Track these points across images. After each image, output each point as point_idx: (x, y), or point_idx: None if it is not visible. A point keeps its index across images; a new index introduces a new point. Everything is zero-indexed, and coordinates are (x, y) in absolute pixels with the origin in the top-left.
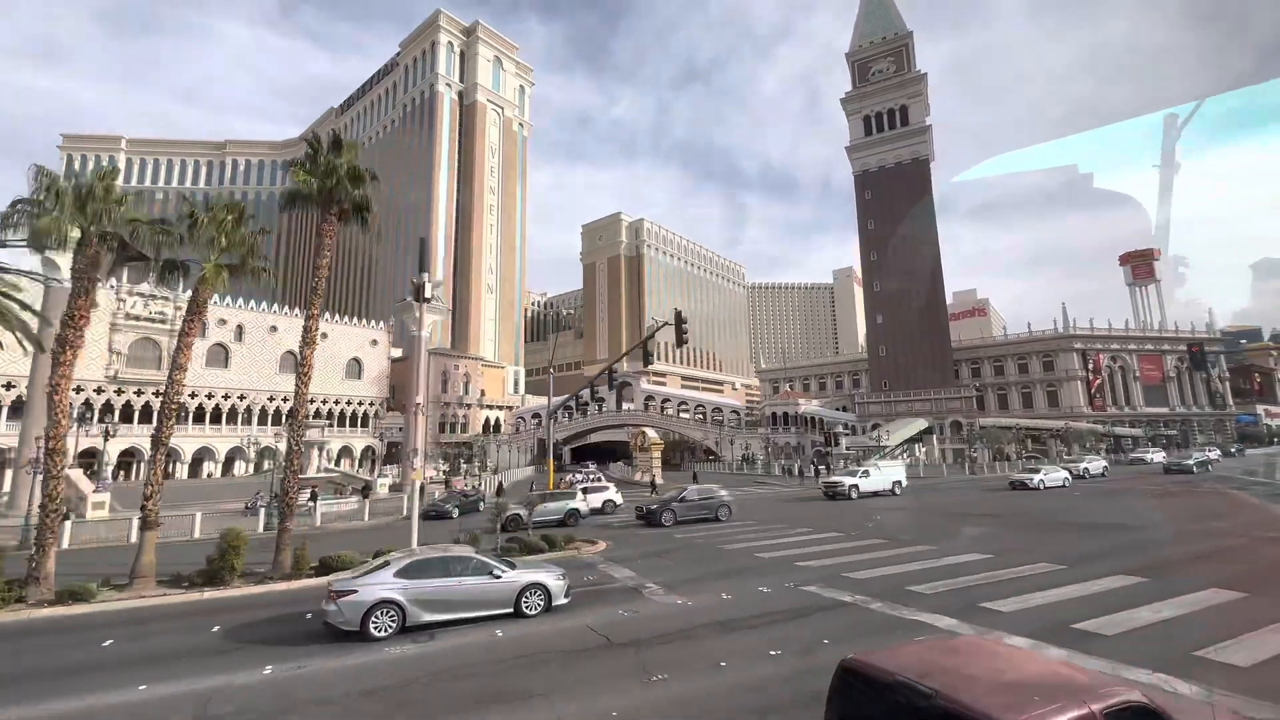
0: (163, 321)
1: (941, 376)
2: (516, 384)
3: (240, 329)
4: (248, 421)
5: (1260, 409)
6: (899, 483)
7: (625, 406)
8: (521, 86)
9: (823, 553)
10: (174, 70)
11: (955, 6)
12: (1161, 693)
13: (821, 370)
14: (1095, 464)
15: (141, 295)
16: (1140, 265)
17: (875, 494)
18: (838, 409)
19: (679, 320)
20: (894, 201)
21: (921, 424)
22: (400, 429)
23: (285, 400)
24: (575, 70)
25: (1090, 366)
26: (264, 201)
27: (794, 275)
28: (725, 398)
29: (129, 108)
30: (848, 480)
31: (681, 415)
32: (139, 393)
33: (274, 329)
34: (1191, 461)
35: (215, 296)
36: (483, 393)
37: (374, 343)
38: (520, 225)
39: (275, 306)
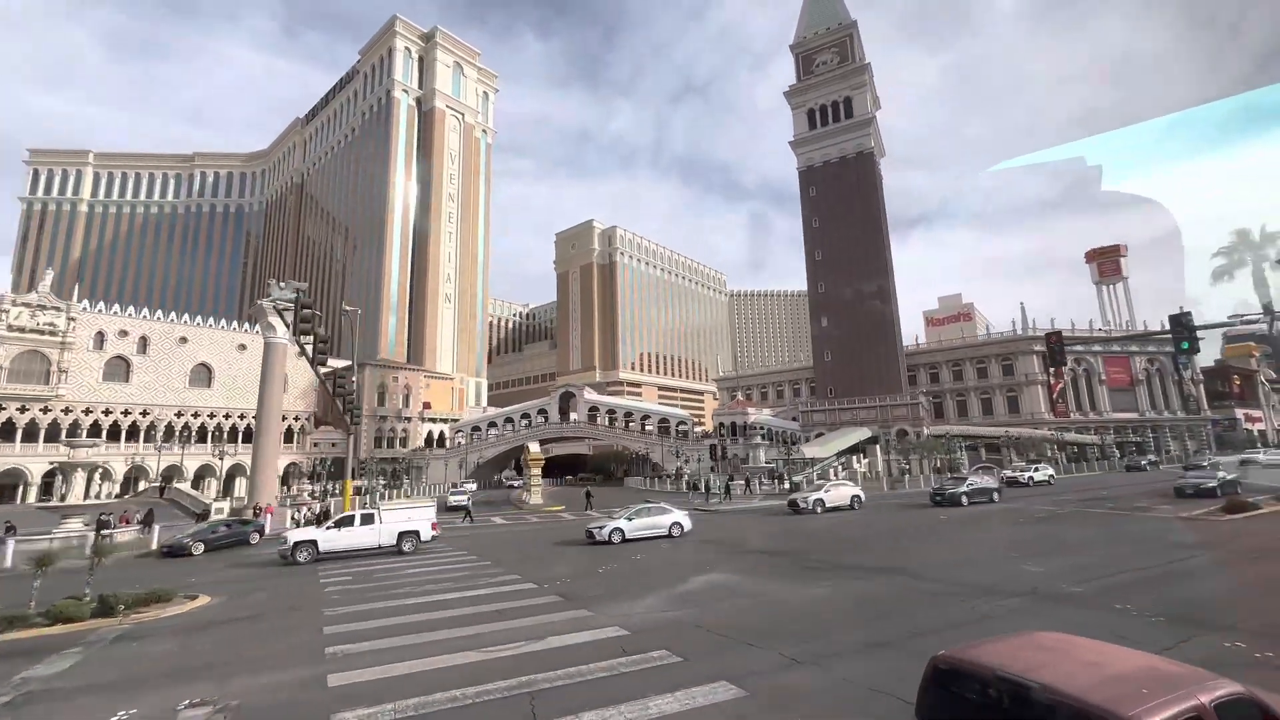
0: (53, 334)
1: (888, 383)
2: (479, 397)
3: (144, 340)
4: (150, 439)
5: (1240, 413)
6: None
7: (572, 418)
8: (485, 93)
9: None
10: (143, 84)
11: (952, 17)
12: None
13: (779, 378)
14: (986, 480)
15: (29, 305)
16: (1106, 262)
17: (837, 509)
18: (792, 418)
19: None
20: (839, 197)
21: (862, 433)
22: (334, 444)
23: (196, 416)
24: (573, 86)
25: (1051, 370)
26: (232, 214)
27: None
28: (671, 407)
29: (92, 120)
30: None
31: (630, 427)
32: (23, 409)
33: (184, 340)
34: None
35: (117, 306)
36: (426, 405)
37: (300, 353)
38: (483, 233)
39: (188, 316)
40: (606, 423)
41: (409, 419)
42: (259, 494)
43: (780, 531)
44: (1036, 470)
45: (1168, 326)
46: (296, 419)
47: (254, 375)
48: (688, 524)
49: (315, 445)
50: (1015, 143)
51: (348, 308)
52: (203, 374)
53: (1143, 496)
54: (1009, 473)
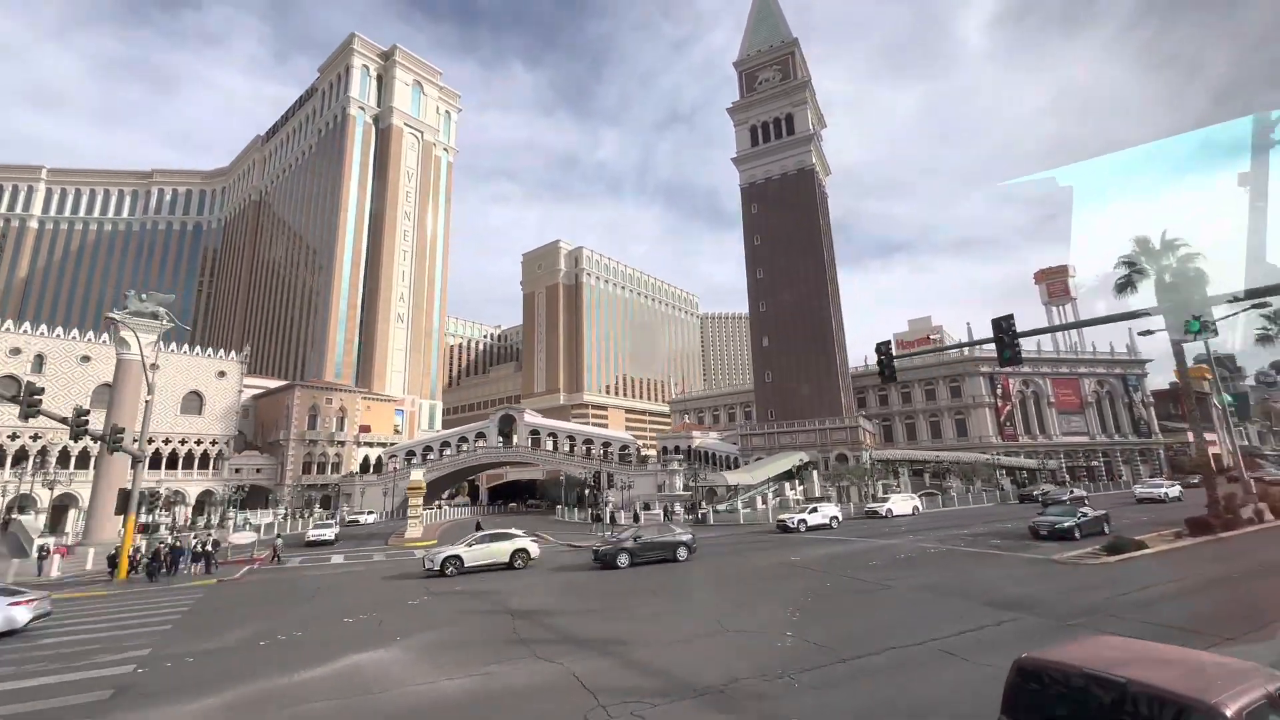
0: None
1: (828, 405)
2: (433, 420)
3: (41, 359)
4: (42, 464)
5: (1193, 435)
6: (835, 518)
7: (515, 441)
8: (447, 112)
9: None
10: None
11: (923, 55)
12: None
13: (731, 400)
14: (826, 509)
15: None
16: (1055, 283)
17: (821, 526)
18: (733, 443)
19: None
20: (781, 214)
21: (798, 458)
22: (259, 470)
23: (97, 441)
24: (560, 114)
25: (998, 392)
26: (189, 232)
27: None
28: (616, 431)
29: (77, 143)
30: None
31: (574, 451)
32: None
33: (86, 359)
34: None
35: (10, 323)
36: (364, 429)
37: (221, 374)
38: (441, 253)
39: (94, 335)
40: (551, 447)
41: (343, 443)
42: (96, 529)
43: (585, 583)
44: (895, 500)
45: (1118, 350)
46: (214, 443)
47: (166, 395)
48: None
49: (237, 471)
50: (990, 173)
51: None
52: (107, 395)
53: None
54: (871, 505)
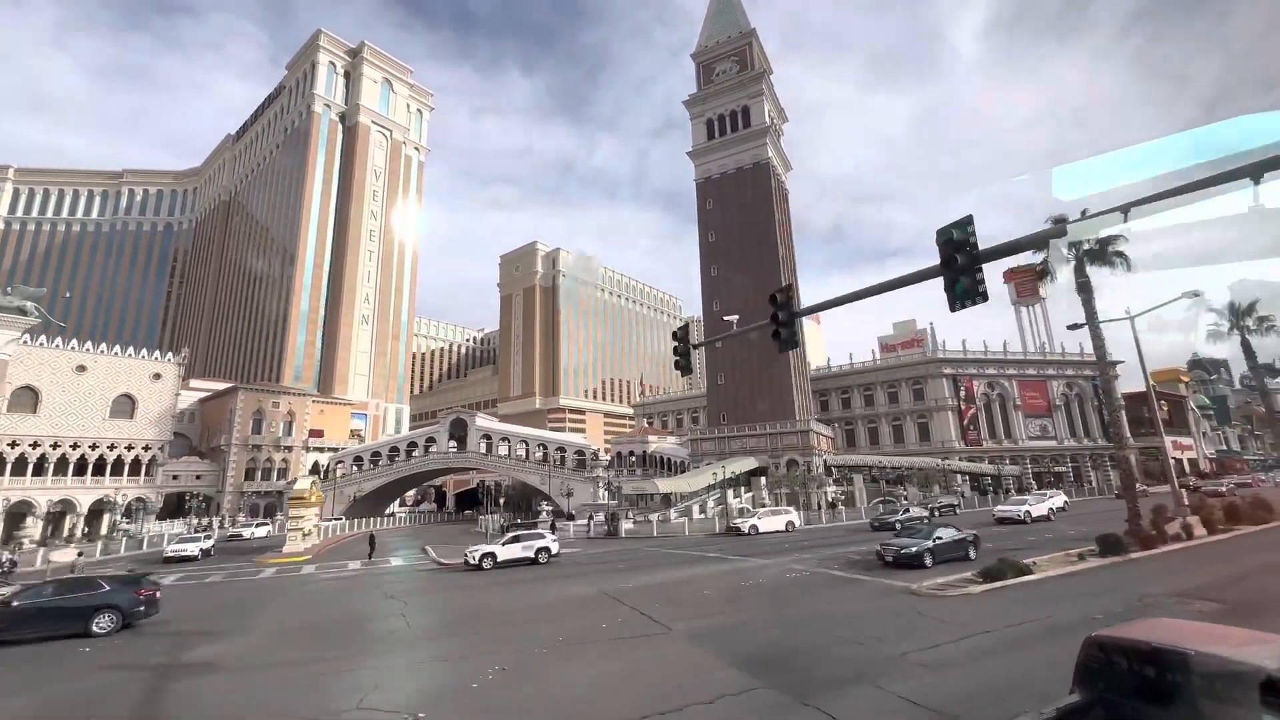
0: None
1: (782, 409)
2: (400, 425)
3: None
4: None
5: (1168, 440)
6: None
7: (468, 446)
8: (419, 110)
9: None
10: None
11: (917, 63)
12: None
13: (693, 404)
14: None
15: None
16: (1023, 283)
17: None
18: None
19: None
20: (736, 211)
21: (747, 463)
22: (199, 476)
23: (14, 445)
24: (557, 119)
25: (962, 395)
26: (160, 233)
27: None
28: (571, 436)
29: (74, 148)
30: (748, 522)
31: (535, 456)
32: None
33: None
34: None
35: None
36: (315, 434)
37: (156, 376)
38: (411, 253)
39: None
40: (506, 451)
41: (290, 448)
42: None
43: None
44: (763, 517)
45: (1087, 352)
46: (146, 448)
47: (94, 398)
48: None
49: (175, 478)
50: (983, 179)
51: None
52: (28, 398)
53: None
54: (735, 521)
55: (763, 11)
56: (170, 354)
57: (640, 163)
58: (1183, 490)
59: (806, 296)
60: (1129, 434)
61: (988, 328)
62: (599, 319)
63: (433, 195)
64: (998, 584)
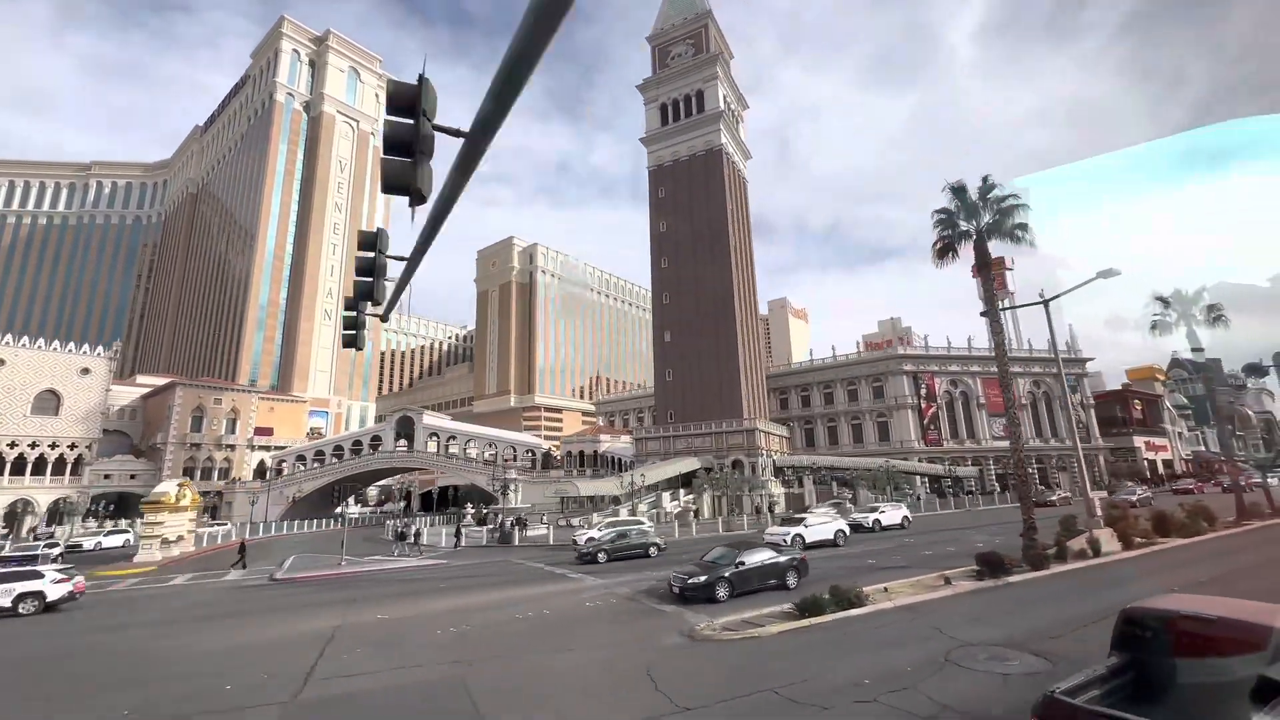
0: None
1: (729, 406)
2: (365, 423)
3: None
4: None
5: (1140, 441)
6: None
7: (418, 446)
8: None
9: None
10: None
11: (913, 65)
12: None
13: (653, 402)
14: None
15: None
16: (993, 276)
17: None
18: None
19: None
20: (688, 200)
21: (688, 465)
22: (134, 476)
23: None
24: (554, 119)
25: (923, 392)
26: (128, 226)
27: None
28: (523, 435)
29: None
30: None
31: (486, 456)
32: None
33: None
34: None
35: None
36: (264, 431)
37: (85, 371)
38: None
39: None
40: (460, 451)
41: (232, 446)
42: None
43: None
44: (595, 526)
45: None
46: (73, 446)
47: (15, 394)
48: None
49: (106, 477)
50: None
51: None
52: None
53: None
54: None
55: (761, 13)
56: (101, 348)
57: (640, 162)
58: (1095, 499)
59: (796, 293)
60: (1099, 434)
61: (974, 328)
62: (580, 316)
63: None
64: (805, 621)
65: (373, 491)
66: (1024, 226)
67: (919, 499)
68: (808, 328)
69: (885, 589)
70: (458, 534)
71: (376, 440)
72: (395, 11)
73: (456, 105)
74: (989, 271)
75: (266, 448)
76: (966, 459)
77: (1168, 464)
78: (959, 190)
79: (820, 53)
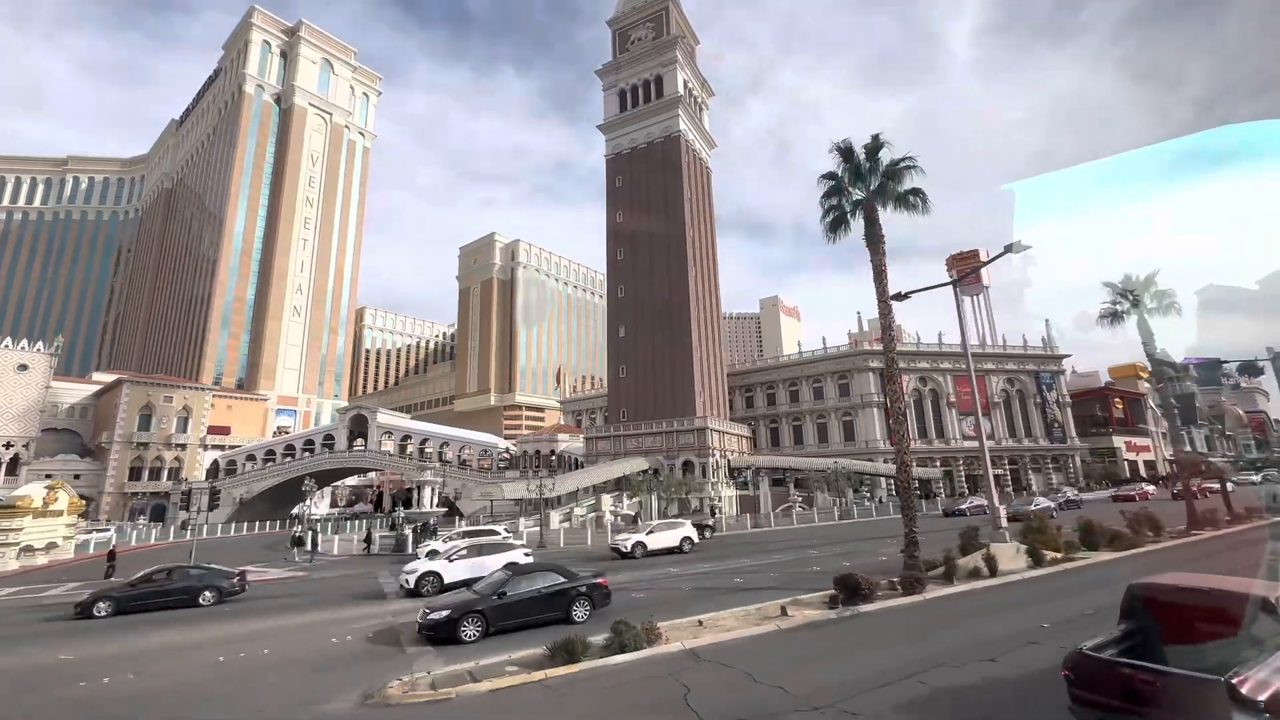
0: None
1: (682, 405)
2: (335, 421)
3: None
4: None
5: (1121, 441)
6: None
7: (373, 445)
8: (365, 94)
9: None
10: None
11: (911, 64)
12: None
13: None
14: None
15: None
16: (966, 270)
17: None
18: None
19: None
20: (645, 189)
21: (634, 466)
22: (78, 476)
23: None
24: (552, 118)
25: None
26: (105, 221)
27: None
28: (480, 434)
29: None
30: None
31: (445, 456)
32: None
33: None
34: None
35: None
36: (219, 430)
37: (22, 368)
38: (352, 242)
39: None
40: (418, 451)
41: (184, 446)
42: None
43: None
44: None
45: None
46: (8, 445)
47: None
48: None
49: (48, 477)
50: (978, 181)
51: None
52: None
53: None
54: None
55: (758, 14)
56: (41, 344)
57: None
58: (1002, 509)
59: (796, 293)
60: (1074, 434)
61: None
62: (559, 311)
63: (431, 194)
64: (541, 674)
65: (336, 491)
66: (918, 192)
67: (881, 501)
68: (800, 326)
69: (700, 622)
70: (368, 540)
71: (330, 439)
72: (390, 12)
73: (460, 102)
74: (878, 244)
75: (221, 447)
76: (935, 459)
77: (1150, 465)
78: (846, 151)
79: (819, 53)
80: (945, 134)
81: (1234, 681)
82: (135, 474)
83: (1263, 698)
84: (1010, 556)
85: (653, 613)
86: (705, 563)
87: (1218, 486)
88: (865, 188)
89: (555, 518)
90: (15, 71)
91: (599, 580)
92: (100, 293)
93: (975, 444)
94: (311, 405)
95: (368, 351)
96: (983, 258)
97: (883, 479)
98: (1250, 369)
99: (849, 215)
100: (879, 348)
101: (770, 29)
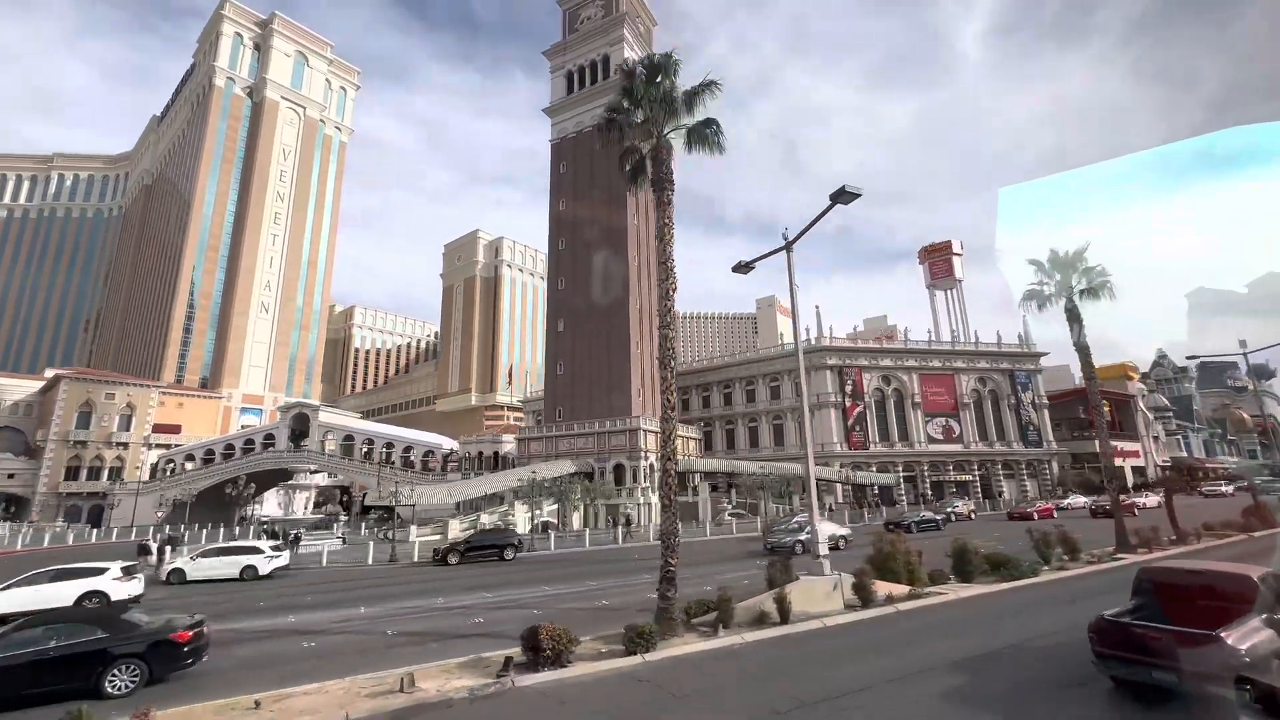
0: None
1: (619, 405)
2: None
3: None
4: None
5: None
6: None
7: (314, 445)
8: (342, 88)
9: None
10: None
11: (921, 65)
12: None
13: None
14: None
15: None
16: (938, 262)
17: None
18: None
19: None
20: (589, 174)
21: (559, 469)
22: (12, 475)
23: None
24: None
25: (848, 390)
26: (90, 219)
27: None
28: (424, 434)
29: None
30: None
31: (390, 457)
32: None
33: None
34: None
35: None
36: (162, 429)
37: None
38: (325, 238)
39: None
40: (364, 452)
41: (126, 445)
42: None
43: None
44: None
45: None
46: None
47: None
48: None
49: None
50: (989, 183)
51: None
52: None
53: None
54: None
55: (766, 17)
56: None
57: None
58: (826, 530)
59: (804, 295)
60: (1051, 437)
61: (980, 325)
62: (544, 311)
63: (439, 195)
64: None
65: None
66: (711, 124)
67: (831, 509)
68: (801, 326)
69: (257, 703)
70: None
71: (270, 439)
72: (397, 15)
73: (464, 105)
74: (665, 192)
75: (166, 446)
76: (896, 464)
77: (1139, 471)
78: (630, 73)
79: (827, 55)
80: (955, 136)
81: (1222, 635)
82: (74, 474)
83: (1244, 647)
84: (823, 595)
85: (261, 675)
86: (483, 592)
87: (1159, 501)
88: (646, 114)
89: (456, 526)
90: (33, 75)
91: (174, 635)
92: (83, 290)
93: (942, 448)
94: (279, 404)
95: (357, 351)
96: (954, 249)
97: (839, 485)
98: (1262, 372)
99: (644, 157)
100: (838, 345)
101: (777, 32)
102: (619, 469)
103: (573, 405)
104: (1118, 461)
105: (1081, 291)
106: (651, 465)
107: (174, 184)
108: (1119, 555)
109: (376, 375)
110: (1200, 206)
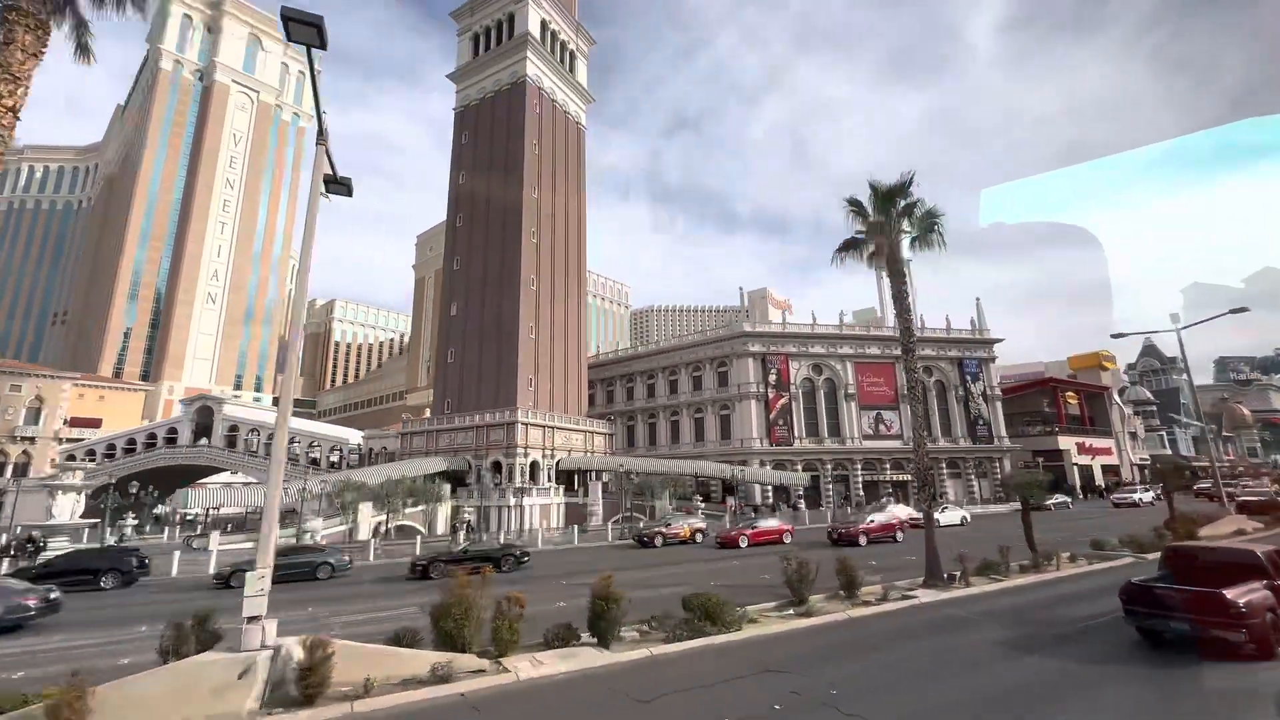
0: None
1: (505, 396)
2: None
3: None
4: None
5: (1071, 442)
6: None
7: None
8: (301, 72)
9: None
10: None
11: (932, 61)
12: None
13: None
14: None
15: None
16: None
17: None
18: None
19: None
20: (489, 144)
21: (429, 466)
22: None
23: None
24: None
25: (771, 379)
26: (59, 211)
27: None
28: (343, 431)
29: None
30: None
31: (305, 453)
32: None
33: None
34: None
35: None
36: (78, 422)
37: None
38: (283, 226)
39: None
40: (262, 447)
41: (32, 439)
42: None
43: None
44: None
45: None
46: None
47: None
48: None
49: None
50: (1004, 176)
51: None
52: None
53: None
54: None
55: (775, 12)
56: None
57: (653, 163)
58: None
59: (813, 290)
60: (1004, 432)
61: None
62: None
63: (448, 193)
64: None
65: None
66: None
67: (756, 510)
68: (787, 315)
69: None
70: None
71: (173, 434)
72: (407, 14)
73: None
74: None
75: (79, 440)
76: (825, 461)
77: (1111, 469)
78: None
79: (837, 50)
80: (969, 130)
81: (1224, 591)
82: None
83: (1241, 601)
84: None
85: None
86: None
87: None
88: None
89: (314, 536)
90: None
91: None
92: (51, 283)
93: (878, 444)
94: (226, 397)
95: (338, 344)
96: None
97: (756, 486)
98: (1270, 365)
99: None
100: (762, 330)
101: (787, 28)
102: (496, 466)
103: (460, 396)
104: (1086, 460)
105: (914, 239)
106: (534, 463)
107: (129, 173)
108: (910, 593)
109: (358, 369)
110: (1215, 198)
